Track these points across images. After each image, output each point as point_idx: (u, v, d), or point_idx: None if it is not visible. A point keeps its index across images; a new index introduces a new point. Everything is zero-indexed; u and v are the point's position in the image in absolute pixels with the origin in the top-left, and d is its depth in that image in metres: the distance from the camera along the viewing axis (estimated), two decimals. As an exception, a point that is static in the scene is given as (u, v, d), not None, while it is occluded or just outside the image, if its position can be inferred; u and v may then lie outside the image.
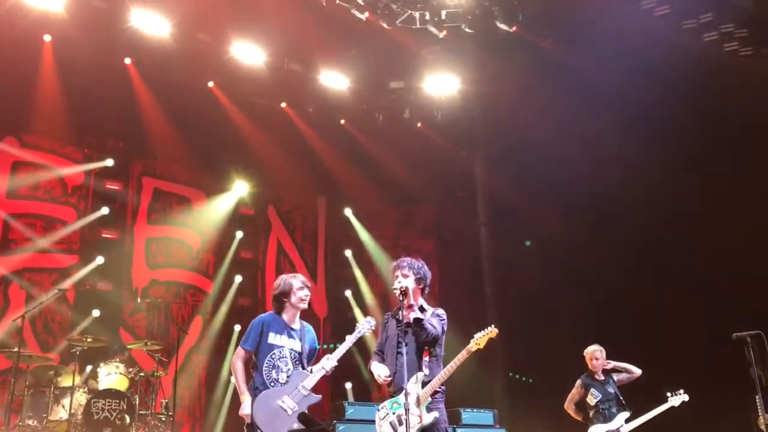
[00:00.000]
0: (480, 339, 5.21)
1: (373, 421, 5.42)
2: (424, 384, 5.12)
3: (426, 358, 5.18)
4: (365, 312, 12.81)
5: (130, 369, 8.76)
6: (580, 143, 10.43)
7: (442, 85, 11.55)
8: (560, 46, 10.41)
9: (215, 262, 12.00)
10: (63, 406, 8.16)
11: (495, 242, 12.23)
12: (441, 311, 5.43)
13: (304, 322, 5.74)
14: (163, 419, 8.73)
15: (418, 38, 10.60)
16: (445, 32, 10.18)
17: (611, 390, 7.50)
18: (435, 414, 5.07)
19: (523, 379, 12.09)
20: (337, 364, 5.49)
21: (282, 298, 5.61)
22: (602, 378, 7.59)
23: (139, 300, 10.89)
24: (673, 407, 7.36)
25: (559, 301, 11.06)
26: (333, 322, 12.88)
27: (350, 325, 5.66)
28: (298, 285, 5.62)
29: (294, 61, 11.10)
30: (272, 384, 5.34)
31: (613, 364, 7.62)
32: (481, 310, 11.78)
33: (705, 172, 9.71)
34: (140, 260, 11.22)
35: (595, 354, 7.62)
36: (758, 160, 9.31)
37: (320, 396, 5.46)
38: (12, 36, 9.29)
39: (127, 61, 10.31)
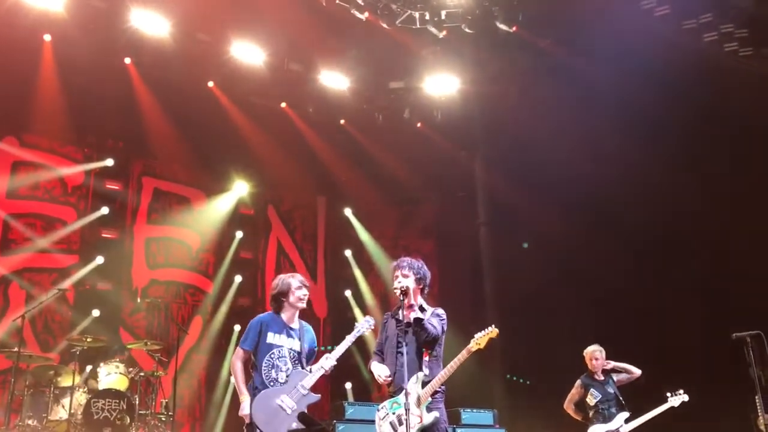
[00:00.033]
0: (480, 339, 5.21)
1: (372, 421, 5.42)
2: (424, 384, 5.12)
3: (426, 358, 5.18)
4: (365, 312, 12.81)
5: (130, 369, 8.76)
6: (580, 143, 10.43)
7: (442, 85, 11.55)
8: (560, 47, 10.41)
9: (215, 262, 12.00)
10: (63, 406, 8.16)
11: (495, 242, 12.24)
12: (441, 311, 5.43)
13: (303, 322, 5.74)
14: (163, 419, 8.73)
15: (418, 38, 10.60)
16: (445, 32, 10.17)
17: (611, 390, 7.50)
18: (435, 414, 5.07)
19: (521, 381, 12.08)
20: (336, 363, 5.49)
21: (280, 297, 5.61)
22: (602, 378, 7.59)
23: (138, 300, 10.88)
24: (672, 407, 7.36)
25: (559, 301, 11.05)
26: (333, 322, 12.88)
27: (350, 326, 5.66)
28: (297, 284, 5.62)
29: (294, 61, 11.10)
30: (271, 384, 5.34)
31: (612, 364, 7.62)
32: (481, 310, 11.78)
33: (705, 172, 9.71)
34: (140, 260, 11.22)
35: (594, 354, 7.62)
36: (758, 160, 9.31)
37: (319, 395, 5.45)
38: (12, 35, 9.29)
39: (127, 60, 10.31)
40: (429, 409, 5.08)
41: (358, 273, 13.32)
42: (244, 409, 5.28)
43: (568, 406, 7.72)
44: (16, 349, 8.06)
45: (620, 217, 10.46)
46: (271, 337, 5.46)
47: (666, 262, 10.33)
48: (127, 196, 11.22)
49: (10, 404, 8.03)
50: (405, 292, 5.27)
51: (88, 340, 8.61)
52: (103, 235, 10.93)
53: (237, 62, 10.53)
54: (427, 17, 10.02)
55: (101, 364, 8.60)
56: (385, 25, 9.96)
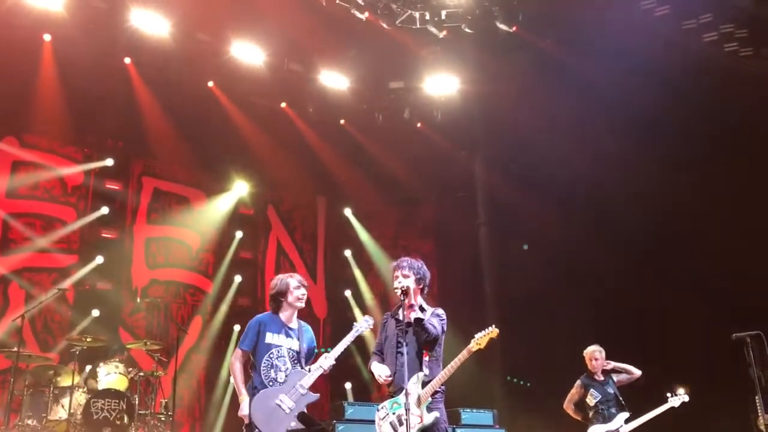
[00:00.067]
0: (481, 339, 5.21)
1: (372, 421, 5.42)
2: (424, 384, 5.11)
3: (426, 358, 5.18)
4: (365, 312, 12.79)
5: (130, 369, 8.75)
6: (580, 143, 10.44)
7: (441, 85, 11.56)
8: (560, 47, 10.41)
9: (215, 262, 11.99)
10: (62, 406, 8.15)
11: (494, 242, 12.23)
12: (441, 311, 5.43)
13: (302, 322, 5.74)
14: (163, 419, 8.72)
15: (418, 38, 10.60)
16: (445, 32, 10.18)
17: (611, 390, 7.50)
18: (435, 414, 5.07)
19: (521, 382, 12.07)
20: (335, 362, 5.49)
21: (279, 297, 5.62)
22: (602, 378, 7.58)
23: (138, 300, 10.87)
24: (672, 407, 7.36)
25: (559, 301, 11.06)
26: (333, 322, 12.87)
27: (350, 326, 5.65)
28: (295, 284, 5.63)
29: (294, 61, 11.10)
30: (270, 384, 5.33)
31: (612, 364, 7.62)
32: (481, 310, 11.78)
33: (705, 172, 9.71)
34: (140, 260, 11.22)
35: (594, 354, 7.62)
36: (758, 160, 9.31)
37: (318, 395, 5.45)
38: (12, 35, 9.28)
39: (127, 60, 10.30)
40: (429, 409, 5.08)
41: (357, 273, 13.31)
42: (243, 410, 5.27)
43: (568, 406, 7.72)
44: (15, 348, 8.05)
45: (620, 217, 10.46)
46: (270, 337, 5.46)
47: (666, 262, 10.32)
48: (126, 196, 11.21)
49: (9, 404, 8.02)
50: (406, 292, 5.26)
51: (88, 339, 8.61)
52: (103, 235, 10.92)
53: (237, 62, 10.52)
54: (427, 17, 10.03)
55: (101, 364, 8.59)
56: (385, 25, 9.96)
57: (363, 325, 5.60)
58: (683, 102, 9.50)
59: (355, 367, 12.02)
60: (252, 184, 12.42)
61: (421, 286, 5.42)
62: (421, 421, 5.02)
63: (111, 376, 8.46)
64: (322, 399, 5.75)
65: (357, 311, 12.95)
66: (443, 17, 10.03)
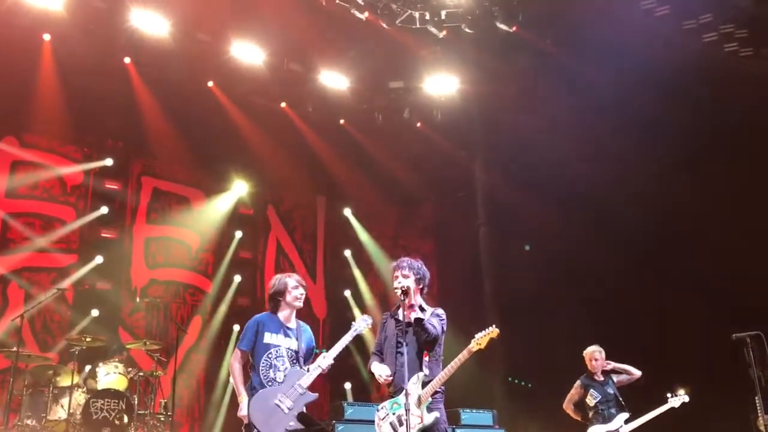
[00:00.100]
0: (481, 339, 5.21)
1: (372, 422, 5.41)
2: (424, 384, 5.11)
3: (426, 358, 5.18)
4: (364, 312, 12.78)
5: (129, 369, 8.74)
6: (580, 143, 10.43)
7: (441, 85, 11.55)
8: (560, 47, 10.41)
9: (214, 261, 11.98)
10: (62, 406, 8.14)
11: (494, 242, 12.23)
12: (440, 311, 5.43)
13: (301, 322, 5.74)
14: (162, 419, 8.71)
15: (417, 38, 10.60)
16: (444, 32, 10.17)
17: (610, 391, 7.50)
18: (436, 414, 5.07)
19: (523, 383, 12.06)
20: (333, 362, 5.49)
21: (277, 297, 5.62)
22: (602, 379, 7.58)
23: (138, 300, 10.86)
24: (672, 408, 7.36)
25: (559, 301, 11.05)
26: (332, 322, 12.87)
27: (349, 326, 5.64)
28: (293, 284, 5.63)
29: (294, 61, 11.10)
30: (269, 383, 5.33)
31: (612, 365, 7.62)
32: (481, 310, 11.77)
33: (705, 172, 9.71)
34: (139, 260, 11.21)
35: (594, 355, 7.62)
36: (758, 160, 9.31)
37: (317, 394, 5.44)
38: (12, 35, 9.27)
39: (127, 60, 10.30)
40: (429, 410, 5.08)
41: (357, 273, 13.31)
42: (242, 410, 5.26)
43: (567, 406, 7.72)
44: (14, 348, 8.05)
45: (620, 217, 10.46)
46: (269, 337, 5.46)
47: (666, 262, 10.32)
48: (126, 196, 11.20)
49: (8, 404, 8.02)
50: (406, 292, 5.26)
51: (87, 339, 8.59)
52: (103, 235, 10.91)
53: (237, 62, 10.52)
54: (427, 17, 10.02)
55: (100, 364, 8.58)
56: (385, 25, 9.96)
57: (361, 324, 5.60)
58: (683, 102, 9.50)
59: (355, 367, 12.01)
60: (252, 184, 12.41)
61: (420, 286, 5.42)
62: (422, 421, 5.02)
63: (110, 376, 8.45)
64: (322, 399, 5.75)
65: (357, 311, 12.95)
66: (443, 17, 10.03)
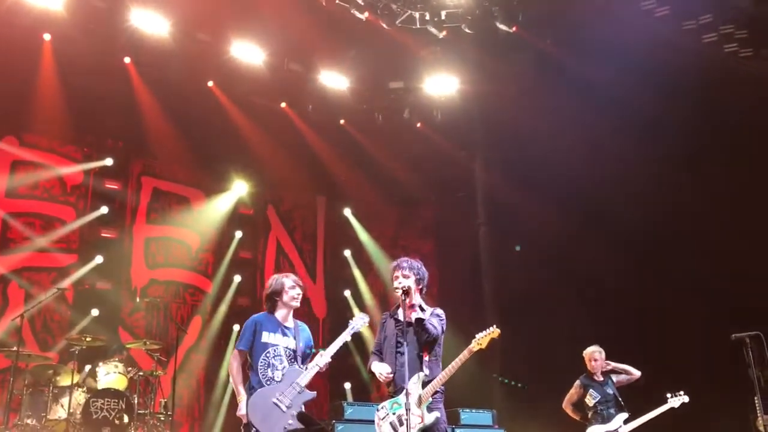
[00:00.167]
0: (482, 339, 5.22)
1: (372, 421, 5.42)
2: (424, 384, 5.12)
3: (426, 358, 5.19)
4: (364, 312, 12.78)
5: (129, 368, 8.75)
6: (580, 143, 10.44)
7: (441, 85, 11.55)
8: (560, 47, 10.41)
9: (214, 261, 11.98)
10: (62, 406, 8.15)
11: (494, 242, 12.23)
12: (440, 311, 5.44)
13: (299, 321, 5.77)
14: (162, 419, 8.72)
15: (417, 38, 10.60)
16: (444, 32, 10.17)
17: (610, 391, 7.50)
18: (436, 414, 5.08)
19: (518, 385, 12.01)
20: (331, 360, 5.51)
21: (274, 296, 5.65)
22: (601, 379, 7.59)
23: (138, 299, 10.86)
24: (672, 408, 7.36)
25: (559, 302, 11.04)
26: (332, 322, 12.86)
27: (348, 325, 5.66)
28: (290, 284, 5.66)
29: (294, 61, 11.09)
30: (268, 383, 5.35)
31: (612, 365, 7.62)
32: (480, 310, 11.77)
33: (705, 172, 9.71)
34: (139, 260, 11.21)
35: (594, 355, 7.63)
36: (758, 161, 9.31)
37: (315, 393, 5.46)
38: (12, 35, 9.27)
39: (127, 60, 10.29)
40: (430, 409, 5.09)
41: (357, 273, 13.31)
42: (241, 410, 5.29)
43: (567, 406, 7.73)
44: (15, 348, 8.05)
45: (620, 217, 10.45)
46: (266, 337, 5.49)
47: (666, 262, 10.32)
48: (126, 196, 11.20)
49: (9, 403, 8.02)
50: (407, 292, 5.27)
51: (87, 339, 8.60)
52: (103, 235, 10.90)
53: (237, 62, 10.52)
54: (427, 17, 10.02)
55: (100, 364, 8.59)
56: (385, 25, 9.96)
57: (358, 322, 5.62)
58: (683, 102, 9.50)
59: (355, 366, 12.01)
60: (252, 184, 12.41)
61: (420, 287, 5.44)
62: (422, 421, 5.03)
63: (110, 375, 8.46)
64: (321, 399, 5.77)
65: (356, 311, 12.91)
66: (443, 17, 10.02)
